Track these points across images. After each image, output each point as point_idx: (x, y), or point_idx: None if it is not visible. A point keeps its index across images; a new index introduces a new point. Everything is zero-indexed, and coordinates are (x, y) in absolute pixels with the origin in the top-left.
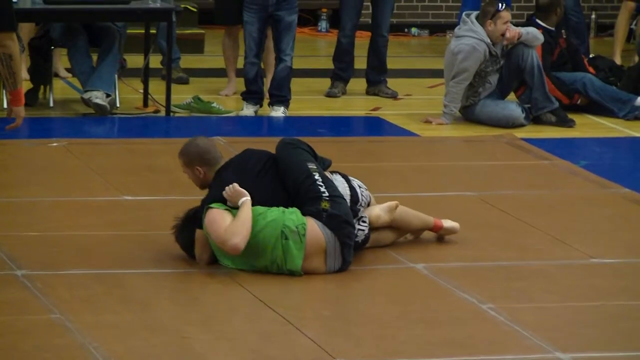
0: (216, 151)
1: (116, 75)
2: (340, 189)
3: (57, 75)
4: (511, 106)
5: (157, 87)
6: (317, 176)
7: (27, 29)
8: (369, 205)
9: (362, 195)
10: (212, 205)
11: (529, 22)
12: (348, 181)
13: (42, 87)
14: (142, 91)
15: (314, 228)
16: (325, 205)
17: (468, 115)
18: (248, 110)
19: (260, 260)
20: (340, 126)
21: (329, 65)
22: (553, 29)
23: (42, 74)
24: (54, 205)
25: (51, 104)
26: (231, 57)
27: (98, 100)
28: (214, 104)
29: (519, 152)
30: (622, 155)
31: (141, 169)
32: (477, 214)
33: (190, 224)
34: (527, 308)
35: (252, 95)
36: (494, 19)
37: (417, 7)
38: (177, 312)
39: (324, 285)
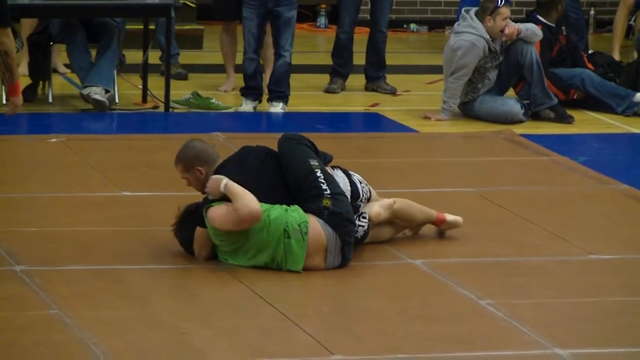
0: (213, 149)
1: (115, 71)
2: (341, 184)
3: (56, 71)
4: (510, 102)
5: (156, 83)
6: (318, 173)
7: (26, 25)
8: (369, 200)
9: (362, 190)
10: (212, 204)
11: (529, 18)
12: (349, 176)
13: (41, 82)
14: (141, 87)
15: (315, 226)
16: (326, 202)
17: (467, 111)
18: (247, 106)
19: (260, 257)
20: (339, 122)
21: (328, 61)
22: (553, 25)
23: (41, 69)
24: (53, 201)
25: (50, 100)
26: (229, 53)
27: (97, 96)
28: (213, 100)
29: (517, 148)
30: (620, 151)
31: (140, 165)
32: (476, 210)
33: (189, 220)
34: (526, 304)
35: (251, 91)
36: (493, 15)
37: (416, 3)
38: (176, 308)
39: (323, 282)
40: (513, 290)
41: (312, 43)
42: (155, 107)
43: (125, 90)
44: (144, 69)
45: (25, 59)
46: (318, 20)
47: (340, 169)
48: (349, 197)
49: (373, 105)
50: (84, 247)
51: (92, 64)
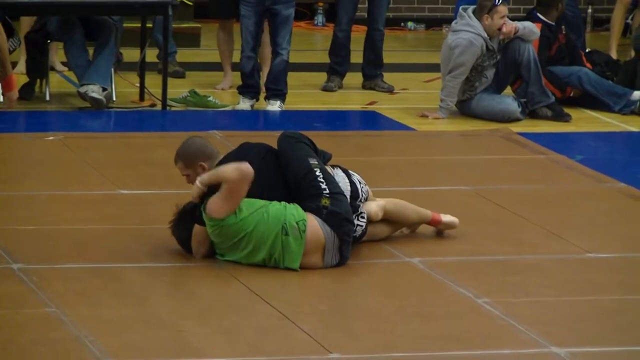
0: (212, 145)
1: (112, 69)
2: (341, 184)
3: (53, 69)
4: (507, 100)
5: (153, 81)
6: (318, 172)
7: (24, 23)
8: (367, 200)
9: (362, 190)
10: (208, 199)
11: (530, 16)
12: (349, 176)
13: (38, 80)
14: (138, 85)
15: (313, 224)
16: (325, 202)
17: (464, 109)
18: (244, 104)
19: (258, 254)
20: (336, 120)
21: (325, 59)
22: (553, 23)
23: (38, 67)
24: (50, 199)
25: (47, 98)
26: (226, 51)
27: (94, 94)
28: (210, 98)
29: (515, 146)
30: (618, 149)
31: (137, 163)
32: (473, 208)
33: (186, 219)
34: (523, 302)
35: (248, 89)
36: (490, 14)
37: (414, 1)
38: (173, 306)
39: (321, 280)
40: (510, 289)
41: (310, 41)
42: (153, 105)
43: (123, 89)
44: (142, 67)
45: (22, 56)
46: (315, 18)
47: (341, 168)
48: (348, 197)
49: (370, 104)
50: (81, 245)
51: (90, 62)
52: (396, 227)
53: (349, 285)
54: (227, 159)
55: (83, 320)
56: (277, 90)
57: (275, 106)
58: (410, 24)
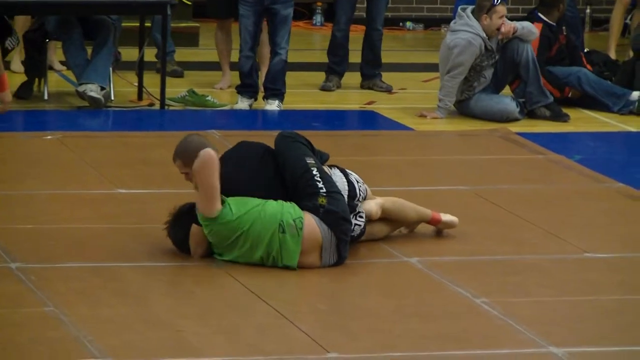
0: (210, 143)
1: (111, 69)
2: (338, 183)
3: (51, 68)
4: (506, 100)
5: (151, 80)
6: (315, 171)
7: (22, 22)
8: (365, 199)
9: (359, 190)
10: None
11: (531, 16)
12: (346, 175)
13: (36, 80)
14: (136, 84)
15: (310, 223)
16: (322, 201)
17: (463, 109)
18: (243, 104)
19: (255, 253)
20: (334, 120)
21: (324, 59)
22: (554, 24)
23: (36, 66)
24: (49, 198)
25: (46, 97)
26: (224, 51)
27: (93, 93)
28: (209, 98)
29: (513, 146)
30: (616, 149)
31: (135, 162)
32: (472, 208)
33: (182, 219)
34: (522, 302)
35: (246, 88)
36: (489, 13)
37: (412, 1)
38: (172, 306)
39: (319, 279)
40: (509, 289)
41: (308, 41)
42: (151, 104)
43: (121, 88)
44: (140, 67)
45: (17, 55)
46: (314, 18)
47: (338, 168)
48: (346, 196)
49: (369, 103)
50: (80, 244)
51: (88, 61)
52: (395, 226)
53: (347, 285)
54: (225, 157)
55: (82, 320)
56: (276, 90)
57: (273, 106)
58: (408, 24)
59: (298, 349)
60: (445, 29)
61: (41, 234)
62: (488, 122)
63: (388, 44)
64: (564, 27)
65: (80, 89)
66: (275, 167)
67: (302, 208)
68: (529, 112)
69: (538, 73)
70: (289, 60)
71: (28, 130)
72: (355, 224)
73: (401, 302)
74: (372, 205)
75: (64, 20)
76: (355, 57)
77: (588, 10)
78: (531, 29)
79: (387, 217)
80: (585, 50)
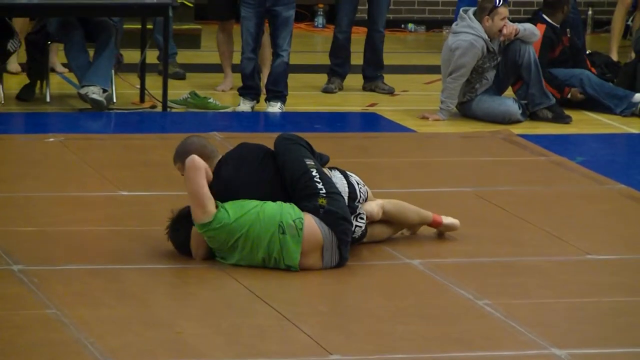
0: (211, 144)
1: (113, 71)
2: (338, 185)
3: (53, 70)
4: (508, 102)
5: (153, 83)
6: (314, 172)
7: (21, 24)
8: (366, 200)
9: (360, 191)
10: None
11: (535, 17)
12: (346, 177)
13: (38, 82)
14: (138, 86)
15: (311, 223)
16: (322, 201)
17: (465, 111)
18: (245, 106)
19: (257, 255)
20: (336, 122)
21: (326, 61)
22: (558, 26)
23: (38, 69)
24: (50, 200)
25: (48, 99)
26: (226, 53)
27: (95, 96)
28: (211, 100)
29: (515, 148)
30: (618, 151)
31: (137, 164)
32: (473, 209)
33: (182, 222)
34: (523, 304)
35: (248, 90)
36: (491, 15)
37: (414, 3)
38: (173, 307)
39: (320, 281)
40: (510, 290)
41: (310, 43)
42: (153, 106)
43: (123, 90)
44: (142, 69)
45: (16, 56)
46: (316, 20)
47: (338, 169)
48: (346, 198)
49: (371, 105)
50: (81, 247)
51: (90, 64)
52: (396, 228)
53: (348, 287)
54: (228, 159)
55: (83, 322)
56: (278, 92)
57: (275, 108)
58: (410, 26)
59: (299, 351)
60: (447, 30)
61: (43, 236)
62: (490, 124)
63: (390, 46)
64: (568, 29)
65: (82, 91)
66: (276, 169)
67: (302, 209)
68: (531, 114)
69: (540, 75)
70: (290, 62)
71: (30, 133)
72: (356, 226)
73: (403, 303)
74: (373, 206)
75: (66, 22)
76: (357, 59)
77: (590, 12)
78: (533, 31)
79: (388, 219)
80: (587, 52)
